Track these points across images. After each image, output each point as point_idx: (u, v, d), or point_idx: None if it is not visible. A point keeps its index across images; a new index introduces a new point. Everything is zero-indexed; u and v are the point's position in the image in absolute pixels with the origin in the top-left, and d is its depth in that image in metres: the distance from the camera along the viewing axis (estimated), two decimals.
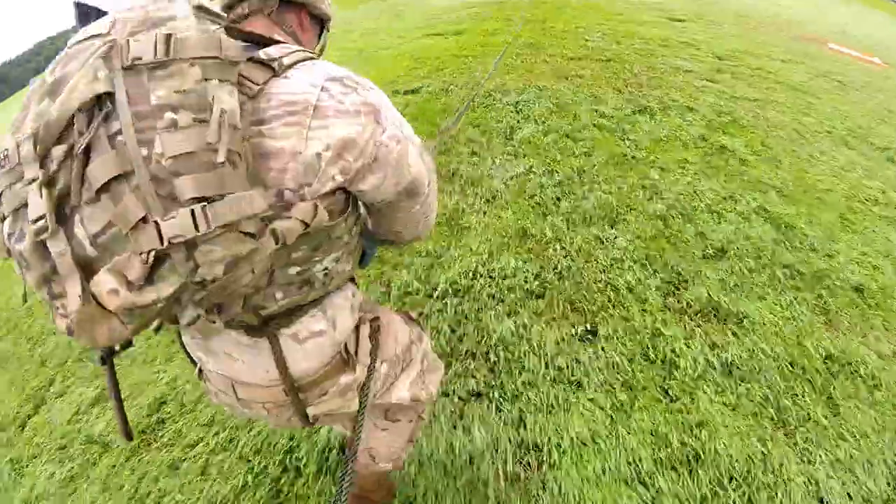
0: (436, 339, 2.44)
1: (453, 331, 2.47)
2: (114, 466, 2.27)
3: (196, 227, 0.61)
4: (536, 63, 5.84)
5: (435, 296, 2.68)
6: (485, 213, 3.29)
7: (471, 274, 2.78)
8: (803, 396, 2.17)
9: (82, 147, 0.61)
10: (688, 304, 2.58)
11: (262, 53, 0.76)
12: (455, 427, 2.07)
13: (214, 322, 0.77)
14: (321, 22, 1.13)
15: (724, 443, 1.96)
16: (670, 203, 3.37)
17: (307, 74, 0.76)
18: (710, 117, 4.59)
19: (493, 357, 2.33)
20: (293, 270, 0.85)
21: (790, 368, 2.29)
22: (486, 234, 3.10)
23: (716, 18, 8.98)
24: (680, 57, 6.25)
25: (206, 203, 0.62)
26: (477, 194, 3.47)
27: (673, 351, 2.33)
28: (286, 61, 0.76)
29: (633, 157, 3.90)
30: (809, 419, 2.08)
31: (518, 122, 4.42)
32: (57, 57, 0.69)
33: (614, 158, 3.87)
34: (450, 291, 2.69)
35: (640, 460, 1.92)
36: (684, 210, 3.30)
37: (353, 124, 0.77)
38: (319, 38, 1.14)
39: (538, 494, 1.84)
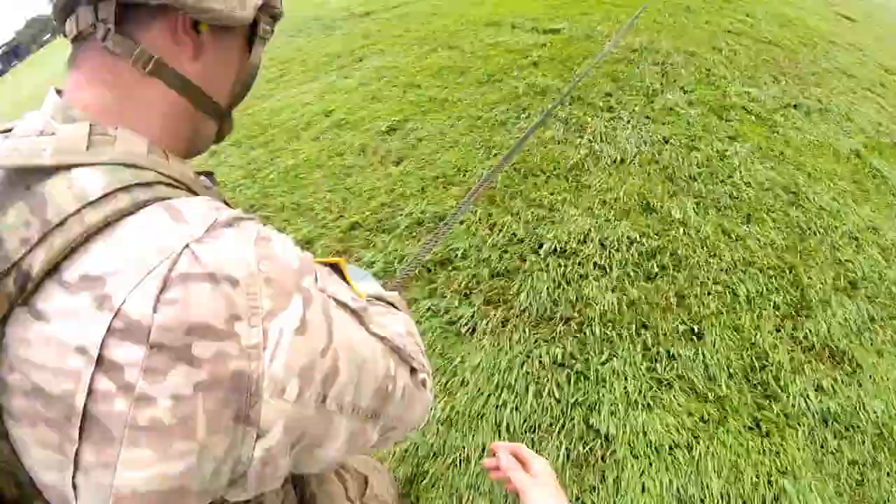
0: (530, 299, 2.15)
1: (550, 293, 2.17)
2: None
3: None
4: (689, 28, 5.05)
5: (540, 252, 2.34)
6: (610, 174, 2.85)
7: (581, 237, 2.42)
8: (889, 476, 1.82)
9: None
10: (805, 334, 2.17)
11: None
12: (527, 390, 1.84)
13: None
14: (248, 29, 0.52)
15: (799, 498, 1.67)
16: (812, 215, 2.84)
17: (86, 308, 0.30)
18: (868, 132, 3.84)
19: (586, 330, 2.03)
20: None
21: (884, 439, 1.92)
22: (607, 197, 2.69)
23: (888, 24, 7.65)
24: (845, 58, 5.28)
25: None
26: (605, 153, 3.02)
27: (777, 380, 1.99)
28: (35, 268, 0.30)
29: (781, 154, 3.30)
30: (888, 502, 1.75)
31: (661, 85, 3.82)
32: None
33: (760, 150, 3.29)
34: (555, 250, 2.35)
35: (709, 488, 1.64)
36: (823, 228, 2.77)
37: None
38: (249, 52, 0.53)
39: (595, 486, 1.62)
